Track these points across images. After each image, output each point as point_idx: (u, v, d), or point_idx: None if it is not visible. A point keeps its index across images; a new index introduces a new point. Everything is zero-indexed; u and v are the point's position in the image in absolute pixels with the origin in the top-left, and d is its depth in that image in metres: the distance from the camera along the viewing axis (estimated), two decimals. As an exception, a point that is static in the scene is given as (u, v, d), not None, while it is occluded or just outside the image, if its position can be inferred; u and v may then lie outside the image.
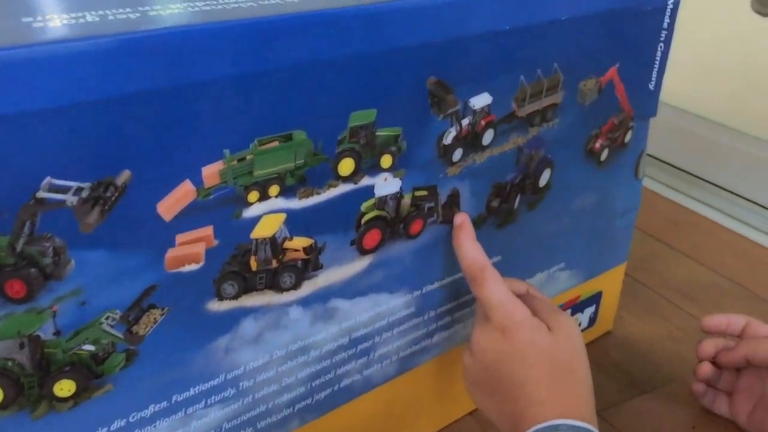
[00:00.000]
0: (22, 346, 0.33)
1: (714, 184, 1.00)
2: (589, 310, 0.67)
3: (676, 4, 0.56)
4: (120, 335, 0.36)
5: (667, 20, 0.56)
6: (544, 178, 0.54)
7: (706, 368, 0.59)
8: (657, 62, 0.58)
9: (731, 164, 0.98)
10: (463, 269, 0.49)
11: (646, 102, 0.59)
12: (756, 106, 0.98)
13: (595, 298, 0.66)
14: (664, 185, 1.04)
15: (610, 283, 0.68)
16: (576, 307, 0.65)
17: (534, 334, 0.47)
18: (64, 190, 0.31)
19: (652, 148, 1.07)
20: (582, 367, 0.47)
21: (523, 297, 0.49)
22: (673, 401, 0.63)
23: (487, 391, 0.48)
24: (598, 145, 0.57)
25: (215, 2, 0.37)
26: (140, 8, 0.35)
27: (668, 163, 1.06)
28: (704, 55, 1.00)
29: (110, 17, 0.33)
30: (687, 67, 1.00)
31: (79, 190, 0.32)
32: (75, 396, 0.36)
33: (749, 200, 0.96)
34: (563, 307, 0.63)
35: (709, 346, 0.58)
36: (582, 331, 0.67)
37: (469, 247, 0.48)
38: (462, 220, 0.49)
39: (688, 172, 1.04)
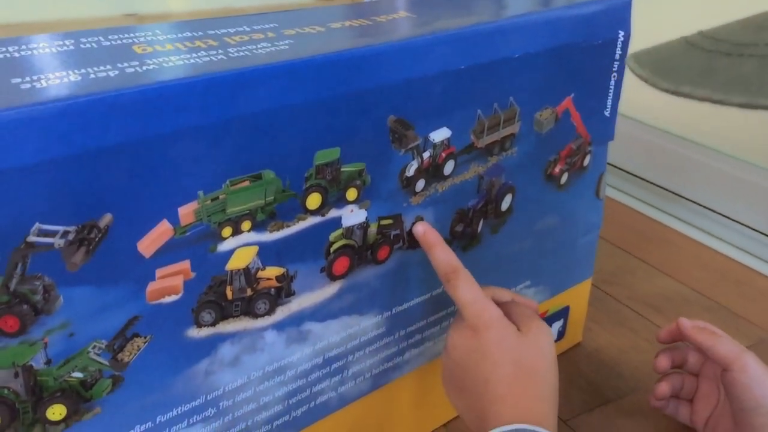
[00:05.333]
0: (16, 375, 0.37)
1: (683, 197, 1.04)
2: (558, 324, 0.70)
3: (627, 36, 0.59)
4: (106, 362, 0.39)
5: (618, 51, 0.60)
6: (506, 202, 0.58)
7: (663, 389, 0.61)
8: (611, 90, 0.61)
9: (700, 178, 1.02)
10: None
11: (603, 127, 0.63)
12: (724, 122, 1.02)
13: (563, 313, 0.70)
14: (635, 198, 1.08)
15: (577, 297, 0.71)
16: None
17: (502, 334, 0.49)
18: (52, 234, 0.35)
19: (624, 162, 1.11)
20: (547, 370, 0.49)
21: (506, 303, 0.52)
22: (637, 410, 0.66)
23: (457, 387, 0.50)
24: (557, 170, 0.60)
25: (188, 56, 0.40)
26: (119, 65, 0.38)
27: (639, 177, 1.10)
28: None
29: (91, 75, 0.37)
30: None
31: (65, 233, 0.35)
32: (66, 419, 0.39)
33: (717, 212, 0.99)
34: (531, 322, 0.67)
35: (665, 360, 0.61)
36: (551, 344, 0.71)
37: (439, 250, 0.50)
38: (424, 228, 0.51)
39: (658, 185, 1.07)
